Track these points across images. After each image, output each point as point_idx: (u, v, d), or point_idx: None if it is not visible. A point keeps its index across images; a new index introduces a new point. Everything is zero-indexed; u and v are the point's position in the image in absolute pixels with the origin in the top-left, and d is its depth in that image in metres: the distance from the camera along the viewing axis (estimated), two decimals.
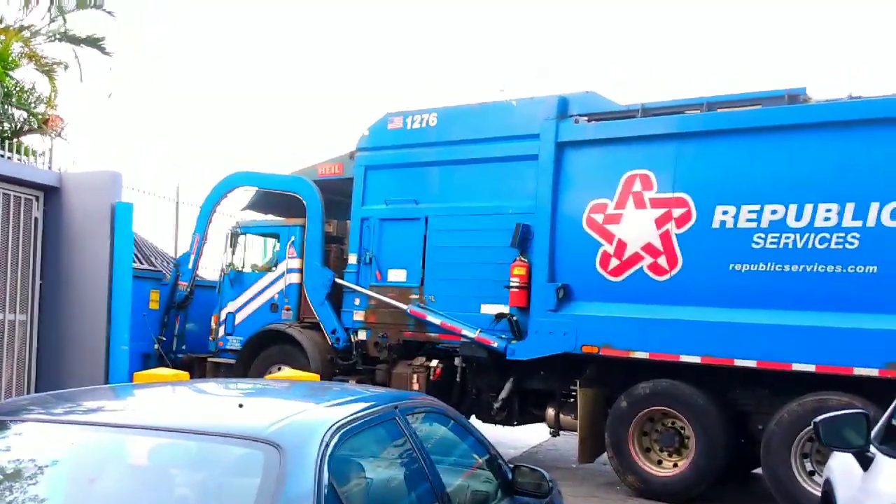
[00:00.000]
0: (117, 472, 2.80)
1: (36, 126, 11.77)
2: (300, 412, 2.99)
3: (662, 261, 8.30)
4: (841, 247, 7.42)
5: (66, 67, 12.44)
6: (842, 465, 4.34)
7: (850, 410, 4.12)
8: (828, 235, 7.47)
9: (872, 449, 3.87)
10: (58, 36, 12.43)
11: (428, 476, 3.25)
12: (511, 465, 4.07)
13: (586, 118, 8.99)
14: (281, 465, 2.49)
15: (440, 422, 3.95)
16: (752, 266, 7.81)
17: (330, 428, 2.76)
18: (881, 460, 3.72)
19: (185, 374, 8.49)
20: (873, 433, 4.01)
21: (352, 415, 3.00)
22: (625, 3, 38.18)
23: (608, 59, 37.99)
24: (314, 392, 3.86)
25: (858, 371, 7.24)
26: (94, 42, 12.43)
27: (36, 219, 8.50)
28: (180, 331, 11.61)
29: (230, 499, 2.60)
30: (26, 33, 12.11)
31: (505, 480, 3.99)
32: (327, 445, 2.66)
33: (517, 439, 11.07)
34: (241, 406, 3.00)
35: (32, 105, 11.78)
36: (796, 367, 7.53)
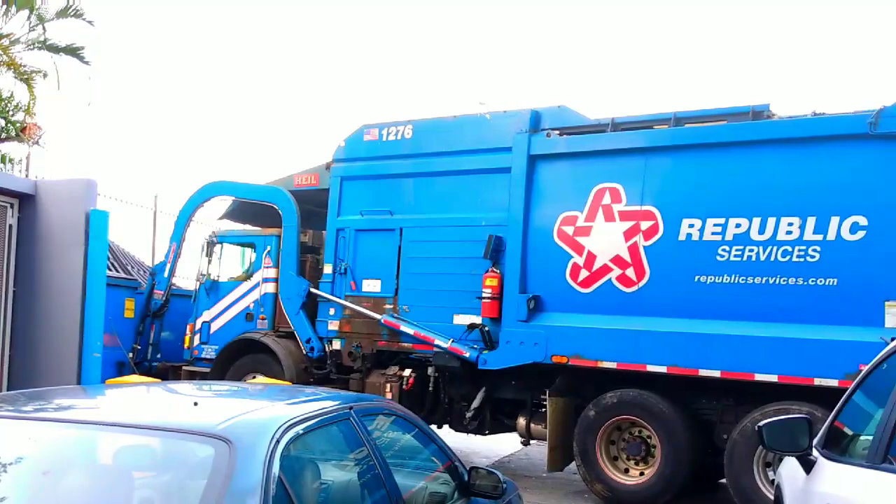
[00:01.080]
0: (71, 466, 2.88)
1: (13, 134, 11.81)
2: (253, 410, 3.08)
3: (630, 273, 8.44)
4: (802, 260, 7.59)
5: (44, 76, 12.50)
6: (789, 469, 4.47)
7: (793, 415, 4.25)
8: (790, 248, 7.64)
9: (815, 452, 4.00)
10: (37, 44, 12.48)
11: (381, 475, 3.33)
12: (467, 468, 4.16)
13: (558, 132, 9.15)
14: (230, 460, 2.56)
15: (396, 423, 4.04)
16: (716, 278, 7.97)
17: (281, 425, 2.84)
18: (822, 463, 3.85)
19: (157, 381, 8.52)
20: (816, 438, 4.14)
21: (304, 413, 3.09)
22: (599, 19, 38.64)
23: (580, 73, 38.42)
24: (271, 393, 3.95)
25: (819, 382, 7.38)
26: (73, 51, 12.50)
27: (10, 225, 8.54)
28: (155, 339, 11.63)
29: (180, 491, 2.69)
30: (5, 41, 12.15)
31: (461, 482, 4.08)
32: (277, 442, 2.74)
33: (489, 448, 11.17)
34: (195, 404, 3.08)
35: (10, 113, 11.82)
36: (759, 377, 7.68)
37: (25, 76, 12.22)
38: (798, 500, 4.10)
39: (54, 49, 12.50)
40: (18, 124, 11.83)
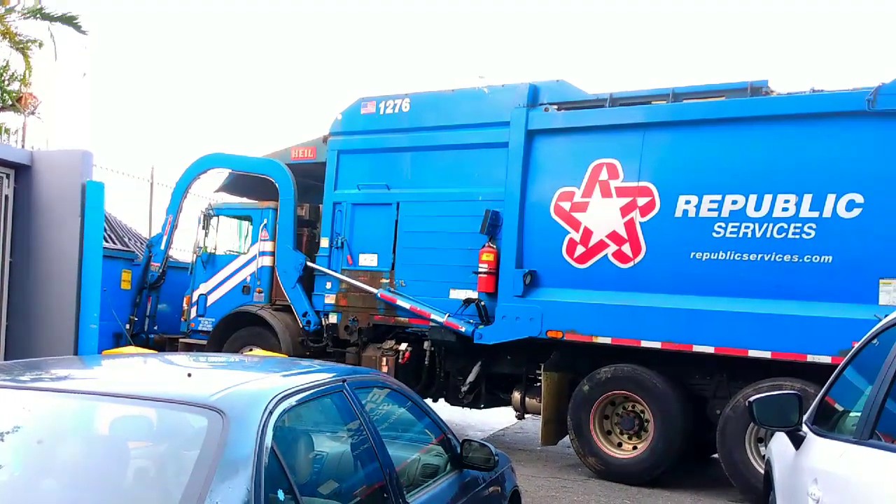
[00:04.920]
0: (65, 435, 2.90)
1: (9, 104, 11.73)
2: (246, 381, 3.09)
3: (627, 248, 8.45)
4: (798, 237, 7.60)
5: (40, 45, 12.39)
6: (779, 445, 4.52)
7: (783, 391, 4.28)
8: (785, 225, 7.66)
9: (804, 428, 4.03)
10: (33, 13, 12.35)
11: (374, 447, 3.35)
12: (460, 440, 4.19)
13: (556, 107, 9.12)
14: (223, 431, 2.57)
15: (390, 396, 4.07)
16: (712, 254, 7.99)
17: (275, 397, 2.85)
18: (811, 439, 3.88)
19: (153, 352, 8.55)
20: (807, 414, 4.18)
21: (298, 385, 3.10)
22: None
23: (579, 48, 38.19)
24: (265, 365, 3.97)
25: (812, 358, 7.43)
26: (68, 20, 12.36)
27: (6, 196, 8.51)
28: (152, 311, 11.66)
29: (173, 461, 2.70)
30: (1, 9, 12.03)
31: (454, 454, 4.11)
32: (270, 413, 2.75)
33: (484, 422, 11.26)
34: (189, 375, 3.10)
35: (6, 83, 11.74)
36: (753, 353, 7.73)
37: (21, 45, 12.12)
38: (787, 476, 4.14)
39: (50, 18, 12.36)
40: (14, 94, 11.75)
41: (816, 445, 3.73)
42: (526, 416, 9.71)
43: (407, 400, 4.14)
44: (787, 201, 7.66)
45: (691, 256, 8.09)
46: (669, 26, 38.10)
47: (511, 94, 9.34)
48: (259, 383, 3.11)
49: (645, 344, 8.23)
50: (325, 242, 10.49)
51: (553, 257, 8.86)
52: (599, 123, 8.81)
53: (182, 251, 12.75)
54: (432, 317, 9.52)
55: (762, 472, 7.59)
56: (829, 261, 7.48)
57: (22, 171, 8.57)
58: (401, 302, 9.78)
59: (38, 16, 12.32)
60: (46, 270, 8.54)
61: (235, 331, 10.94)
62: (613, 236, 8.52)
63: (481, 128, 9.49)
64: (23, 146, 9.12)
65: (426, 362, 9.91)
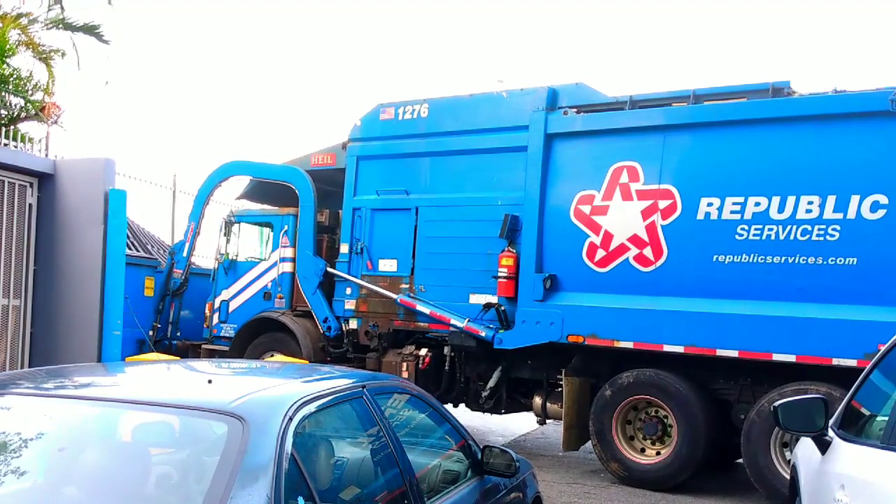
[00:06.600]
0: (86, 442, 2.91)
1: (33, 113, 11.87)
2: (266, 388, 3.09)
3: (648, 252, 8.39)
4: (822, 239, 7.51)
5: (63, 55, 12.52)
6: (805, 450, 4.46)
7: (808, 396, 4.22)
8: (809, 227, 7.57)
9: (830, 433, 3.97)
10: (55, 23, 12.49)
11: (394, 453, 3.34)
12: (481, 446, 4.17)
13: (575, 110, 9.08)
14: (243, 437, 2.57)
15: (409, 402, 4.06)
16: (735, 257, 7.91)
17: (294, 403, 2.85)
18: (837, 444, 3.83)
19: (175, 359, 8.59)
20: (832, 418, 4.12)
21: (317, 391, 3.09)
22: None
23: (598, 50, 38.08)
24: (285, 371, 3.97)
25: (837, 361, 7.33)
26: (91, 29, 12.49)
27: (30, 205, 8.60)
28: (175, 318, 11.73)
29: (193, 467, 2.71)
30: (24, 20, 12.17)
31: (475, 460, 4.09)
32: (290, 419, 2.75)
33: (505, 427, 11.22)
34: (210, 382, 3.10)
35: (29, 92, 11.87)
36: (777, 357, 7.64)
37: (44, 55, 12.25)
38: (813, 481, 4.08)
39: (72, 28, 12.49)
40: (37, 104, 11.88)
41: (843, 450, 3.68)
42: (547, 421, 9.66)
43: (427, 406, 4.12)
44: (810, 203, 7.58)
45: (714, 259, 8.02)
46: (689, 27, 37.92)
47: (530, 98, 9.32)
48: (279, 389, 3.11)
49: (668, 348, 8.16)
50: (344, 248, 10.52)
51: (573, 261, 8.82)
52: (619, 126, 8.77)
53: (204, 258, 12.84)
54: (452, 322, 9.50)
55: (787, 477, 7.51)
56: (854, 262, 7.39)
57: (45, 180, 8.66)
58: (420, 307, 9.78)
59: (60, 26, 12.45)
60: (70, 278, 8.61)
61: (257, 336, 11.00)
62: (634, 240, 8.46)
63: (500, 132, 9.47)
64: (46, 155, 9.19)
65: (446, 367, 9.90)
